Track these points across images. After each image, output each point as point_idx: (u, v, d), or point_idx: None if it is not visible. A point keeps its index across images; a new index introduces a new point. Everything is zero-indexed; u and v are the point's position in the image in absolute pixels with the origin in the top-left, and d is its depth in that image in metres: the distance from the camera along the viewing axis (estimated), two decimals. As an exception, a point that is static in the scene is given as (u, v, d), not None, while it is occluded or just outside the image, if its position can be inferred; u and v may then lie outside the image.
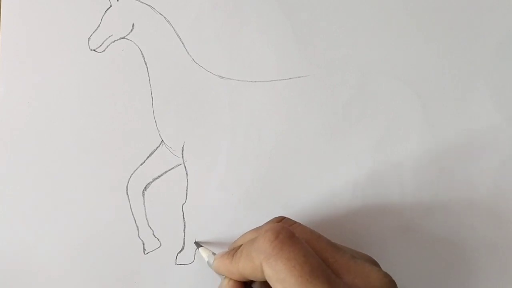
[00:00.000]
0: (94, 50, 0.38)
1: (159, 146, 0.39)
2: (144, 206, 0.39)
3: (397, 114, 0.40)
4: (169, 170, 0.39)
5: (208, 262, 0.36)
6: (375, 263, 0.33)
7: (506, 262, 0.40)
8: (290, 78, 0.39)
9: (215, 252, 0.36)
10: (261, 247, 0.31)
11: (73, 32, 0.38)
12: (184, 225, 0.39)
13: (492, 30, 0.40)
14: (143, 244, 0.39)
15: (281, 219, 0.34)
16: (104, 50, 0.39)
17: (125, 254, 0.39)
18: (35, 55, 0.38)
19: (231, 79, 0.39)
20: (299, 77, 0.39)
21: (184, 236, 0.39)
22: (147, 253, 0.39)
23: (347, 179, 0.39)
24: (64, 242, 0.38)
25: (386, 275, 0.32)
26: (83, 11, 0.38)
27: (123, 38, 0.39)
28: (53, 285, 0.38)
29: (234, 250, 0.34)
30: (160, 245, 0.39)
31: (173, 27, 0.39)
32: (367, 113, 0.39)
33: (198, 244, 0.38)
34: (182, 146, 0.39)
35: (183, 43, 0.39)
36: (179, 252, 0.39)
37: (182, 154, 0.39)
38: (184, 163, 0.39)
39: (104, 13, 0.38)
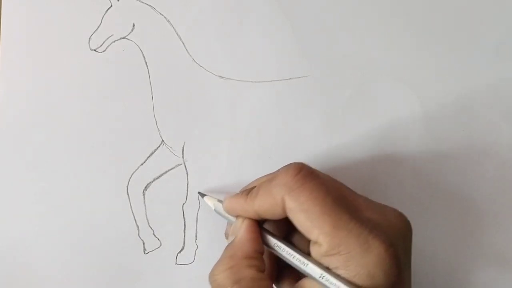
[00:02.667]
0: (95, 50, 0.38)
1: (159, 146, 0.39)
2: (145, 205, 0.39)
3: (397, 114, 0.40)
4: (170, 170, 0.39)
5: (215, 209, 0.36)
6: None
7: (506, 263, 0.40)
8: (290, 78, 0.39)
9: (221, 200, 0.36)
10: (282, 182, 0.31)
11: (74, 32, 0.38)
12: (184, 225, 0.39)
13: (492, 30, 0.40)
14: (143, 243, 0.39)
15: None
16: (104, 50, 0.39)
17: (125, 254, 0.39)
18: (35, 55, 0.38)
19: (231, 79, 0.39)
20: (299, 77, 0.39)
21: (184, 236, 0.39)
22: (147, 252, 0.39)
23: (347, 179, 0.39)
24: (64, 242, 0.38)
25: (402, 214, 0.33)
26: (84, 11, 0.38)
27: (123, 38, 0.39)
28: (53, 285, 0.38)
29: (247, 190, 0.34)
30: (160, 245, 0.39)
31: (173, 27, 0.39)
32: (367, 113, 0.39)
33: (202, 194, 0.38)
34: (182, 146, 0.39)
35: (183, 43, 0.39)
36: (179, 252, 0.39)
37: (183, 154, 0.39)
38: (184, 163, 0.39)
39: (105, 13, 0.38)
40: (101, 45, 0.39)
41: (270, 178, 0.33)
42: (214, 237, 0.39)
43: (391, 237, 0.30)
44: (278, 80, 0.39)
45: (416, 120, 0.40)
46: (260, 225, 0.34)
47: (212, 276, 0.32)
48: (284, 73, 0.39)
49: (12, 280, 0.38)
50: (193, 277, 0.39)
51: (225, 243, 0.38)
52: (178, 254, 0.39)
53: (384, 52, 0.40)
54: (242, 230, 0.33)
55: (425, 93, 0.40)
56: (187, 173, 0.39)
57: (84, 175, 0.38)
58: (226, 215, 0.35)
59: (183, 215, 0.39)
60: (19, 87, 0.38)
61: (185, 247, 0.39)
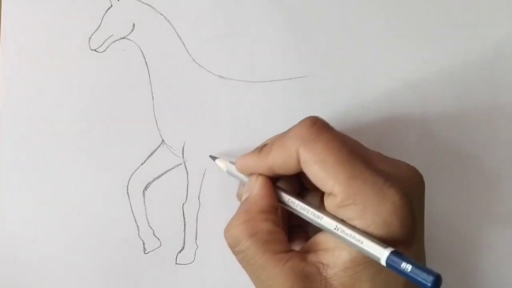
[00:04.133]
0: (95, 50, 0.39)
1: (159, 146, 0.39)
2: (145, 205, 0.39)
3: (396, 114, 0.40)
4: (170, 170, 0.39)
5: (228, 170, 0.36)
6: None
7: (504, 265, 0.40)
8: (290, 78, 0.39)
9: (233, 162, 0.36)
10: (297, 133, 0.32)
11: (74, 32, 0.38)
12: (184, 225, 0.39)
13: (492, 30, 0.40)
14: (143, 243, 0.39)
15: None
16: (104, 50, 0.39)
17: (125, 253, 0.39)
18: (35, 55, 0.38)
19: (231, 79, 0.39)
20: (299, 77, 0.39)
21: (184, 236, 0.39)
22: (147, 252, 0.39)
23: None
24: (64, 242, 0.38)
25: (415, 168, 0.33)
26: (84, 11, 0.38)
27: (123, 38, 0.39)
28: (53, 285, 0.38)
29: (260, 148, 0.34)
30: (161, 244, 0.39)
31: (173, 27, 0.39)
32: (367, 113, 0.39)
33: (213, 157, 0.38)
34: (182, 146, 0.39)
35: (183, 43, 0.39)
36: (179, 252, 0.39)
37: (183, 154, 0.39)
38: (184, 163, 0.39)
39: (105, 13, 0.38)
40: (101, 45, 0.39)
41: (284, 133, 0.33)
42: (214, 237, 0.39)
43: (405, 187, 0.30)
44: (278, 80, 0.39)
45: (415, 120, 0.40)
46: (274, 183, 0.34)
47: (227, 231, 0.32)
48: (284, 73, 0.39)
49: (11, 280, 0.38)
50: (193, 277, 0.39)
51: (226, 243, 0.38)
52: (178, 254, 0.39)
53: (384, 52, 0.40)
54: (256, 186, 0.33)
55: (424, 93, 0.40)
56: (187, 173, 0.39)
57: (84, 175, 0.38)
58: (239, 175, 0.35)
59: (183, 215, 0.39)
60: (19, 87, 0.38)
61: (185, 247, 0.39)
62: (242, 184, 0.36)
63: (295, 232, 0.36)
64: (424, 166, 0.38)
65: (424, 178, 0.33)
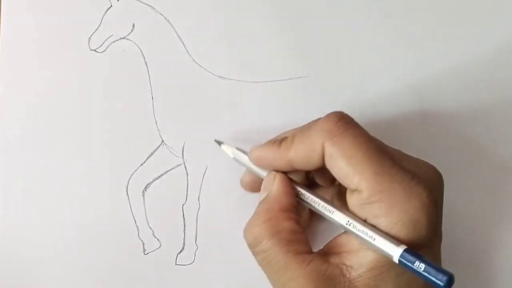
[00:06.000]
0: (95, 50, 0.39)
1: (159, 146, 0.39)
2: (144, 206, 0.39)
3: (397, 115, 0.40)
4: (169, 170, 0.39)
5: (235, 158, 0.35)
6: None
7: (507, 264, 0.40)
8: (290, 79, 0.39)
9: (241, 149, 0.35)
10: (324, 127, 0.31)
11: (74, 32, 0.38)
12: (184, 225, 0.39)
13: (492, 30, 0.40)
14: (143, 244, 0.39)
15: None
16: (104, 50, 0.39)
17: (125, 254, 0.38)
18: (35, 55, 0.38)
19: (231, 79, 0.39)
20: (299, 77, 0.39)
21: (184, 236, 0.39)
22: (147, 253, 0.39)
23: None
24: (63, 242, 0.38)
25: (435, 168, 0.33)
26: (84, 11, 0.38)
27: (123, 38, 0.39)
28: (53, 285, 0.38)
29: (279, 141, 0.33)
30: (160, 245, 0.39)
31: (173, 27, 0.39)
32: (367, 113, 0.39)
33: (219, 142, 0.37)
34: (182, 146, 0.39)
35: (183, 43, 0.39)
36: (179, 253, 0.39)
37: (182, 154, 0.39)
38: (184, 163, 0.39)
39: (105, 13, 0.38)
40: (101, 45, 0.39)
41: (307, 126, 0.32)
42: (214, 238, 0.39)
43: (430, 185, 0.30)
44: (278, 80, 0.39)
45: (416, 120, 0.40)
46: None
47: (248, 230, 0.31)
48: (284, 73, 0.39)
49: (11, 280, 0.38)
50: (193, 277, 0.39)
51: (226, 243, 0.38)
52: (178, 255, 0.39)
53: (384, 52, 0.40)
54: (276, 184, 0.32)
55: (425, 93, 0.40)
56: (187, 174, 0.39)
57: (83, 175, 0.38)
58: (248, 163, 0.34)
59: (183, 215, 0.39)
60: (19, 87, 0.38)
61: (185, 248, 0.39)
62: (249, 171, 0.35)
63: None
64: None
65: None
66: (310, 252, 0.31)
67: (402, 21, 0.40)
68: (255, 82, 0.39)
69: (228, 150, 0.36)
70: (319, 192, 0.34)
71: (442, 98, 0.40)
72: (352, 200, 0.30)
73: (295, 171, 0.33)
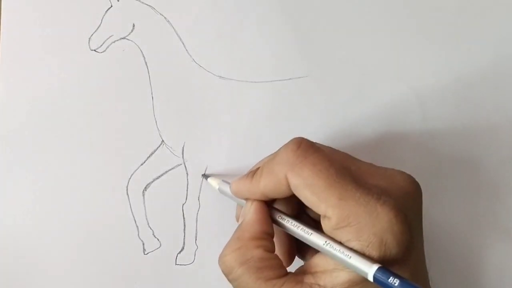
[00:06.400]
0: (95, 50, 0.39)
1: (159, 146, 0.39)
2: (144, 206, 0.39)
3: (396, 115, 0.40)
4: (170, 170, 0.39)
5: (220, 189, 0.36)
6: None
7: (505, 272, 0.40)
8: (290, 79, 0.39)
9: (226, 180, 0.36)
10: (284, 158, 0.31)
11: (74, 32, 0.38)
12: (184, 225, 0.39)
13: (492, 30, 0.40)
14: (143, 244, 0.39)
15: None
16: (104, 50, 0.39)
17: (125, 254, 0.39)
18: (35, 55, 0.38)
19: (231, 79, 0.39)
20: (299, 77, 0.39)
21: (184, 236, 0.39)
22: (147, 253, 0.39)
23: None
24: (63, 242, 0.38)
25: (409, 176, 0.32)
26: (84, 11, 0.38)
27: (123, 38, 0.39)
28: (53, 285, 0.38)
29: (252, 172, 0.33)
30: (160, 245, 0.39)
31: (173, 28, 0.39)
32: (367, 113, 0.39)
33: (206, 176, 0.38)
34: (182, 146, 0.39)
35: (183, 43, 0.39)
36: (179, 253, 0.39)
37: (183, 154, 0.39)
38: (184, 163, 0.39)
39: (105, 13, 0.38)
40: (101, 45, 0.39)
41: (272, 156, 0.32)
42: (214, 237, 0.39)
43: (400, 202, 0.30)
44: (278, 80, 0.39)
45: (415, 120, 0.40)
46: (269, 204, 0.33)
47: (220, 258, 0.32)
48: (284, 73, 0.39)
49: (11, 280, 0.38)
50: (193, 277, 0.39)
51: (225, 243, 0.38)
52: (178, 255, 0.39)
53: (384, 52, 0.40)
54: (250, 212, 0.33)
55: (425, 93, 0.40)
56: (187, 173, 0.39)
57: (83, 175, 0.38)
58: (232, 196, 0.35)
59: (183, 215, 0.39)
60: (19, 87, 0.38)
61: (185, 248, 0.39)
62: (239, 205, 0.36)
63: (306, 245, 0.36)
64: (424, 169, 0.39)
65: (424, 182, 0.33)
66: (282, 276, 0.31)
67: (402, 21, 0.40)
68: (255, 82, 0.39)
69: (214, 183, 0.37)
70: (309, 213, 0.35)
71: (442, 98, 0.40)
72: (324, 225, 0.31)
73: (275, 199, 0.33)
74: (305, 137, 0.32)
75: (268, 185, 0.32)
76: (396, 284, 0.28)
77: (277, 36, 0.39)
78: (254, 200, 0.33)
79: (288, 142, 0.32)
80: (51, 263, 0.38)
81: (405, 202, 0.31)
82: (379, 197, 0.29)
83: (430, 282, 0.33)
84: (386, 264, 0.29)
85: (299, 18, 0.39)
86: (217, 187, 0.37)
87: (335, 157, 0.32)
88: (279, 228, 0.33)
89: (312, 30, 0.39)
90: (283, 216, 0.33)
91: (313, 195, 0.30)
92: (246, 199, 0.34)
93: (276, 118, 0.39)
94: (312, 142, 0.32)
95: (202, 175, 0.39)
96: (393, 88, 0.40)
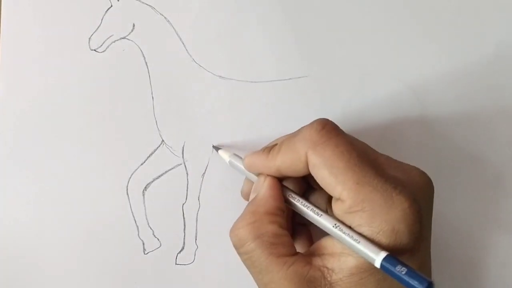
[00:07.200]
0: (95, 50, 0.39)
1: (159, 146, 0.39)
2: (144, 206, 0.39)
3: (396, 115, 0.40)
4: (170, 170, 0.39)
5: (230, 162, 0.36)
6: None
7: (508, 267, 0.40)
8: (290, 79, 0.39)
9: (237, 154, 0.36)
10: (307, 136, 0.31)
11: (74, 32, 0.38)
12: (184, 225, 0.39)
13: (492, 30, 0.40)
14: (143, 244, 0.39)
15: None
16: (104, 50, 0.39)
17: (125, 254, 0.39)
18: (35, 55, 0.38)
19: (231, 79, 0.39)
20: (299, 77, 0.39)
21: (184, 236, 0.39)
22: (147, 253, 0.39)
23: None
24: (64, 242, 0.38)
25: (424, 172, 0.33)
26: (84, 11, 0.38)
27: (123, 38, 0.39)
28: (53, 285, 0.38)
29: (268, 148, 0.33)
30: (160, 245, 0.39)
31: (173, 27, 0.39)
32: (366, 113, 0.39)
33: (217, 148, 0.38)
34: (182, 146, 0.39)
35: (183, 43, 0.39)
36: (179, 252, 0.39)
37: (183, 154, 0.39)
38: (184, 163, 0.39)
39: (105, 13, 0.38)
40: (101, 45, 0.39)
41: (293, 134, 0.32)
42: (214, 237, 0.39)
43: (415, 194, 0.30)
44: (278, 80, 0.39)
45: (415, 120, 0.40)
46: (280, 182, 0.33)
47: (233, 231, 0.32)
48: (284, 73, 0.39)
49: (11, 280, 0.38)
50: (193, 277, 0.39)
51: (226, 243, 0.38)
52: (178, 254, 0.39)
53: (384, 52, 0.40)
54: (264, 187, 0.33)
55: (424, 93, 0.40)
56: (187, 173, 0.39)
57: (83, 175, 0.38)
58: (244, 170, 0.35)
59: (183, 215, 0.39)
60: (19, 87, 0.38)
61: (185, 247, 0.39)
62: (247, 180, 0.36)
63: (298, 231, 0.36)
64: (425, 168, 0.39)
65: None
66: (293, 254, 0.31)
67: (402, 21, 0.40)
68: (255, 82, 0.39)
69: (224, 155, 0.37)
70: (314, 196, 0.35)
71: (442, 98, 0.40)
72: (336, 208, 0.31)
73: (287, 177, 0.33)
74: (329, 119, 0.32)
75: (285, 162, 0.32)
76: (403, 273, 0.28)
77: (277, 36, 0.39)
78: (268, 176, 0.33)
79: (313, 122, 0.32)
80: (51, 263, 0.38)
81: (419, 195, 0.31)
82: (395, 187, 0.30)
83: (432, 276, 0.33)
84: (395, 253, 0.29)
85: (299, 18, 0.39)
86: (228, 160, 0.37)
87: (357, 143, 0.32)
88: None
89: (312, 30, 0.39)
90: (294, 195, 0.33)
91: (331, 175, 0.30)
92: (259, 175, 0.34)
93: (276, 118, 0.39)
94: (336, 125, 0.32)
95: (213, 146, 0.38)
96: (393, 88, 0.40)
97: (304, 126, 0.32)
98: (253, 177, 0.35)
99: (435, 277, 0.33)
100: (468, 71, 0.40)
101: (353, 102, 0.39)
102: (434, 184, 0.33)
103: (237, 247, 0.32)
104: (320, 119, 0.32)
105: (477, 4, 0.40)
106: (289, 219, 0.35)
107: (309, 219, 0.32)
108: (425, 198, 0.32)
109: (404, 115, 0.40)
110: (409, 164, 0.33)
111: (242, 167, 0.35)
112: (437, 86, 0.40)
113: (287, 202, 0.33)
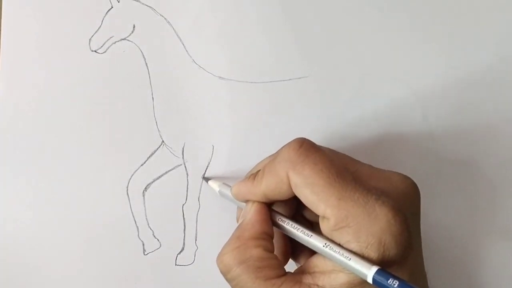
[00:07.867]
0: (95, 51, 0.39)
1: (159, 146, 0.39)
2: (144, 206, 0.39)
3: (396, 115, 0.40)
4: (170, 170, 0.39)
5: (220, 191, 0.36)
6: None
7: (505, 264, 0.40)
8: (290, 79, 0.39)
9: (226, 183, 0.36)
10: (285, 157, 0.31)
11: (74, 33, 0.38)
12: (184, 225, 0.39)
13: (492, 30, 0.40)
14: (143, 244, 0.39)
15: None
16: (105, 51, 0.39)
17: (125, 254, 0.38)
18: (35, 55, 0.38)
19: (231, 79, 0.39)
20: (299, 77, 0.39)
21: (184, 236, 0.39)
22: (147, 253, 0.39)
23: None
24: (64, 242, 0.38)
25: (408, 177, 0.33)
26: (84, 12, 0.38)
27: (124, 39, 0.39)
28: (53, 285, 0.38)
29: (253, 175, 0.34)
30: (160, 245, 0.39)
31: (173, 28, 0.39)
32: (367, 113, 0.39)
33: (206, 178, 0.38)
34: (182, 146, 0.39)
35: (183, 44, 0.39)
36: (179, 253, 0.39)
37: (183, 155, 0.39)
38: (184, 164, 0.39)
39: (105, 14, 0.38)
40: (101, 46, 0.39)
41: (274, 156, 0.32)
42: (214, 238, 0.39)
43: (398, 203, 0.30)
44: (278, 81, 0.39)
45: (415, 121, 0.40)
46: (269, 207, 0.34)
47: (219, 258, 0.32)
48: (284, 74, 0.39)
49: (11, 280, 0.38)
50: (193, 278, 0.39)
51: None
52: (178, 255, 0.39)
53: (384, 52, 0.40)
54: (250, 212, 0.33)
55: (424, 94, 0.40)
56: (187, 174, 0.39)
57: (83, 176, 0.38)
58: (233, 199, 0.35)
59: (183, 215, 0.39)
60: (19, 87, 0.38)
61: (185, 248, 0.39)
62: (240, 208, 0.36)
63: (300, 245, 0.36)
64: (423, 170, 0.39)
65: (423, 183, 0.33)
66: (281, 275, 0.31)
67: (402, 21, 0.40)
68: (255, 82, 0.39)
69: (214, 184, 0.37)
70: (307, 213, 0.35)
71: (442, 98, 0.40)
72: (323, 226, 0.31)
73: (276, 201, 0.33)
74: (306, 138, 0.32)
75: (269, 186, 0.32)
76: (395, 286, 0.28)
77: (277, 36, 0.39)
78: (255, 201, 0.33)
79: (290, 142, 0.32)
80: (51, 263, 0.38)
81: (403, 203, 0.31)
82: (377, 198, 0.30)
83: (428, 283, 0.33)
84: (385, 265, 0.29)
85: (299, 18, 0.39)
86: (217, 189, 0.37)
87: (335, 158, 0.32)
88: (275, 230, 0.33)
89: (312, 30, 0.39)
90: (283, 218, 0.33)
91: (313, 194, 0.30)
92: (247, 201, 0.34)
93: (276, 118, 0.39)
94: (313, 143, 0.32)
95: (203, 177, 0.39)
96: (393, 88, 0.40)
97: (282, 147, 0.32)
98: (243, 205, 0.35)
99: (431, 285, 0.33)
100: (468, 71, 0.40)
101: (353, 103, 0.39)
102: (431, 187, 0.33)
103: (224, 273, 0.32)
104: (297, 138, 0.32)
105: (477, 5, 0.40)
106: (287, 239, 0.35)
107: (299, 240, 0.32)
108: (411, 204, 0.32)
109: (404, 115, 0.40)
110: (391, 171, 0.33)
111: (231, 196, 0.35)
112: (437, 86, 0.40)
113: (277, 226, 0.33)
